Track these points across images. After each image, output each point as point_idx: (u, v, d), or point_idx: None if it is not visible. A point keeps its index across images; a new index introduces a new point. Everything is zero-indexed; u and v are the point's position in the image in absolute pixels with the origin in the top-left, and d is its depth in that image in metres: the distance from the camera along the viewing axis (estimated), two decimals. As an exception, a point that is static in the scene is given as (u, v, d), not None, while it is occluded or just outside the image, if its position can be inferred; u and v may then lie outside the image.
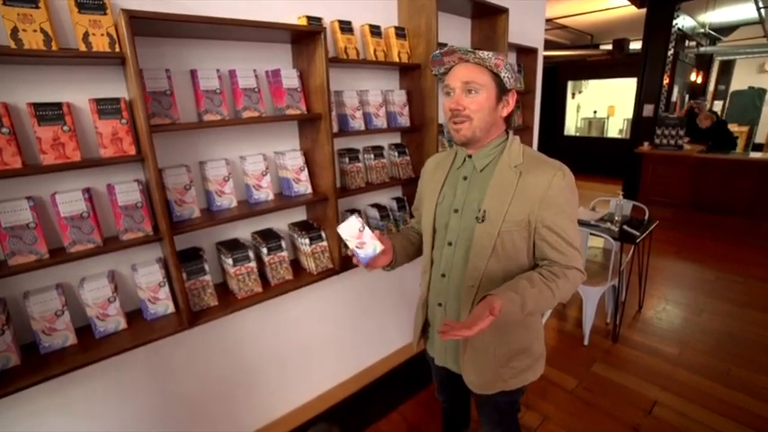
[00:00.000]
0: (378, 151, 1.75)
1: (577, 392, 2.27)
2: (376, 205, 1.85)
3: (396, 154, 1.84)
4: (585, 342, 2.66)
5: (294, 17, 1.47)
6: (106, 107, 1.12)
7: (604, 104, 9.86)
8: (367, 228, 1.03)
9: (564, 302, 1.19)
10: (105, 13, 1.07)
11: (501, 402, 1.26)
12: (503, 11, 2.02)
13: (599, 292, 2.60)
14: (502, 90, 1.00)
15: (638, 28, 6.62)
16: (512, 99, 1.02)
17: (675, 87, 6.49)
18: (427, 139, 1.84)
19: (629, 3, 5.88)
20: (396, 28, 1.71)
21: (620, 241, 2.58)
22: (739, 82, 9.08)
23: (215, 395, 1.56)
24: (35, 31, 0.98)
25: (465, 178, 1.09)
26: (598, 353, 2.60)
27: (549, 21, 7.07)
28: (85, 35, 1.05)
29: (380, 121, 1.71)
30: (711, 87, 8.80)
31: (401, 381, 2.28)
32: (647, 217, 2.92)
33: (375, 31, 1.65)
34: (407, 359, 2.36)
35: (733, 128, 7.22)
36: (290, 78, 1.39)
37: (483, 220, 1.01)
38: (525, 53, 2.56)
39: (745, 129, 8.36)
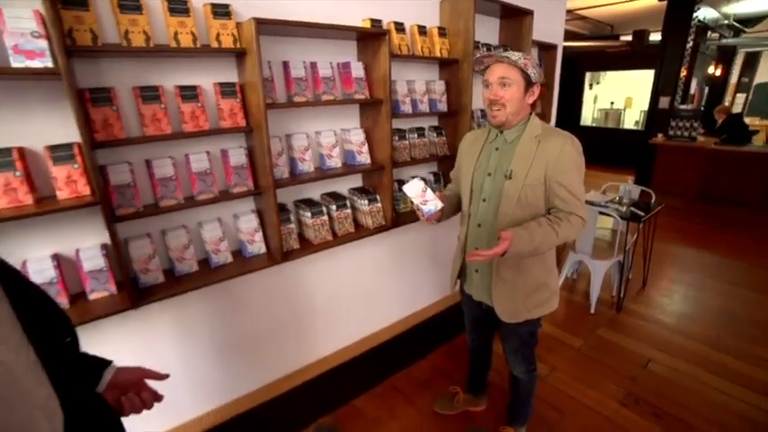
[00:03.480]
0: (420, 132, 2.12)
1: (582, 350, 2.65)
2: (416, 177, 2.21)
3: (434, 135, 2.21)
4: (592, 311, 3.03)
5: (358, 19, 1.83)
6: (226, 89, 1.51)
7: (622, 96, 10.02)
8: (428, 188, 1.40)
9: (568, 242, 1.48)
10: (230, 18, 1.44)
11: (523, 333, 1.63)
12: (528, 12, 2.36)
13: (606, 266, 2.95)
14: (528, 83, 1.34)
15: (660, 19, 6.75)
16: (537, 89, 1.37)
17: (694, 80, 6.68)
18: (461, 122, 2.21)
19: (651, -5, 6.08)
20: (438, 28, 2.07)
21: (627, 220, 2.92)
22: (765, 74, 9.08)
23: (289, 324, 1.99)
24: (187, 33, 1.36)
25: (497, 149, 1.45)
26: (603, 320, 2.97)
27: (569, 12, 7.23)
28: (217, 35, 1.42)
29: (424, 107, 2.09)
30: (734, 80, 8.90)
31: (432, 331, 2.66)
32: (653, 201, 3.25)
33: (422, 30, 2.02)
34: (438, 313, 2.74)
35: (754, 121, 7.38)
36: (357, 69, 1.77)
37: (510, 178, 1.38)
38: (546, 49, 2.89)
39: (767, 122, 8.48)
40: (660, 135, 5.93)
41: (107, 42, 1.27)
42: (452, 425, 2.05)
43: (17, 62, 1.09)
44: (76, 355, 0.76)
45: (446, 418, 2.08)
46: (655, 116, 6.32)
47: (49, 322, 0.71)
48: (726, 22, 7.38)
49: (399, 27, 1.91)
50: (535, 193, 1.36)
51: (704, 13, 6.34)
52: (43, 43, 1.11)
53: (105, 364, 0.82)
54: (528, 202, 1.37)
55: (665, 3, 6.12)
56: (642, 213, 2.98)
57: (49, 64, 1.12)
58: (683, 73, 6.11)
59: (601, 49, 8.56)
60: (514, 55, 1.30)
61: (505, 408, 2.00)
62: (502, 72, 1.32)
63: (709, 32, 7.14)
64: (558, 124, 3.39)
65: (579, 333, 2.81)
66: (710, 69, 7.62)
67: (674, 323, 2.92)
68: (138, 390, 0.85)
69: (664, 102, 6.20)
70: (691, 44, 6.05)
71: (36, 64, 1.11)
